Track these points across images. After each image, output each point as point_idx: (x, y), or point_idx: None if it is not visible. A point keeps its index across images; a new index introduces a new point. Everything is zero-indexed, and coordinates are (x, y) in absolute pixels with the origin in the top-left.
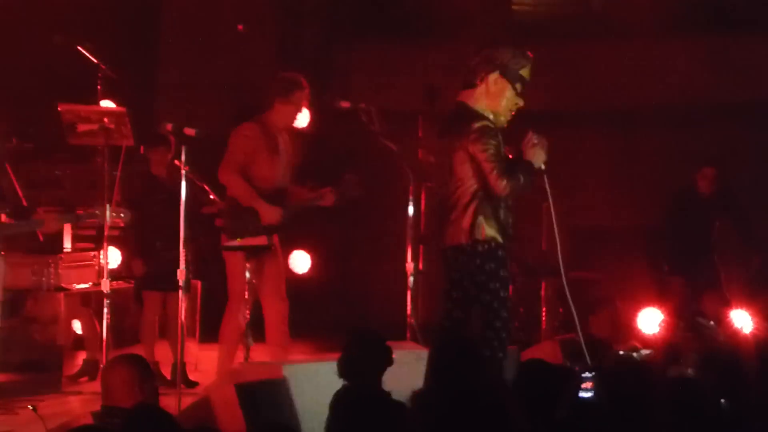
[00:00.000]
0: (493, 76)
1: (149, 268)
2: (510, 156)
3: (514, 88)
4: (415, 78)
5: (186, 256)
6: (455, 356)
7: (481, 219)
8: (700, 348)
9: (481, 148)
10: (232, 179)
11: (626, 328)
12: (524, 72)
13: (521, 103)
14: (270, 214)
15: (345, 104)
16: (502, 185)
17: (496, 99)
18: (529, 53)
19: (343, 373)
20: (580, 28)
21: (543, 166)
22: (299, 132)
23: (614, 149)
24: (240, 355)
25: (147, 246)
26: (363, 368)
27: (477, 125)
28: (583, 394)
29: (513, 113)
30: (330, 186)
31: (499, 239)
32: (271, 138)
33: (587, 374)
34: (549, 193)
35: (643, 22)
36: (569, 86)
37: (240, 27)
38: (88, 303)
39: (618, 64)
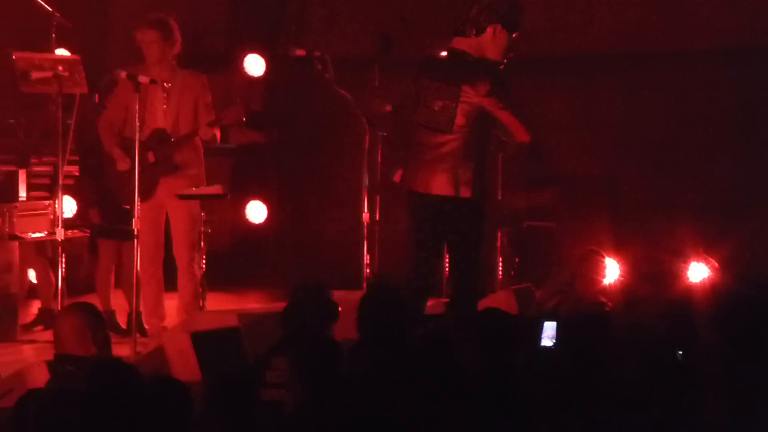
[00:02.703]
0: (495, 27)
1: (104, 217)
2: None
3: (512, 39)
4: (370, 25)
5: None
6: (380, 305)
7: (478, 174)
8: (657, 298)
9: (501, 102)
10: (99, 130)
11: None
12: (520, 22)
13: (513, 53)
14: (119, 163)
15: (300, 52)
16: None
17: (497, 50)
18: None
19: (285, 325)
20: None
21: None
22: (252, 79)
23: (569, 96)
24: None
25: (101, 195)
26: (305, 321)
27: (493, 78)
28: (544, 343)
29: (506, 62)
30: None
31: (484, 194)
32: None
33: (549, 323)
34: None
35: None
36: (523, 33)
37: None
38: (43, 252)
39: (572, 9)
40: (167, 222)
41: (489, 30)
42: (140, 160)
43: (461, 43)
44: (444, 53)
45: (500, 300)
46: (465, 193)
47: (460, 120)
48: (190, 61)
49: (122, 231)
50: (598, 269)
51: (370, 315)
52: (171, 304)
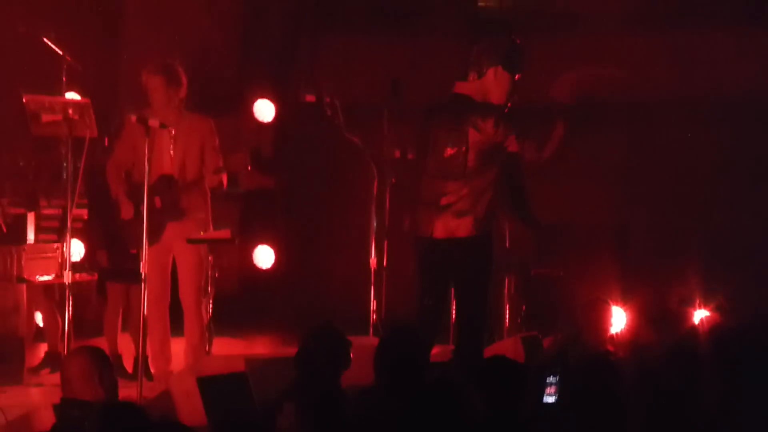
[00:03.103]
0: (496, 69)
1: (112, 261)
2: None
3: (514, 81)
4: (380, 72)
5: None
6: (400, 350)
7: (487, 215)
8: (663, 344)
9: (511, 130)
10: (107, 171)
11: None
12: (521, 64)
13: (516, 96)
14: (123, 209)
15: (310, 98)
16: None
17: (500, 92)
18: (518, 41)
19: (298, 369)
20: (544, 24)
21: None
22: (262, 125)
23: (577, 144)
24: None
25: (110, 238)
26: (319, 365)
27: (498, 117)
28: (547, 399)
29: (510, 105)
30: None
31: (491, 237)
32: (150, 129)
33: (552, 379)
34: None
35: (606, 19)
36: (533, 81)
37: (205, 20)
38: (51, 295)
39: (582, 60)
40: (174, 266)
41: (490, 72)
42: (147, 205)
43: (464, 88)
44: (448, 99)
45: (507, 348)
46: (472, 232)
47: (470, 164)
48: (200, 105)
49: (130, 274)
50: (604, 318)
51: (388, 361)
52: (177, 348)
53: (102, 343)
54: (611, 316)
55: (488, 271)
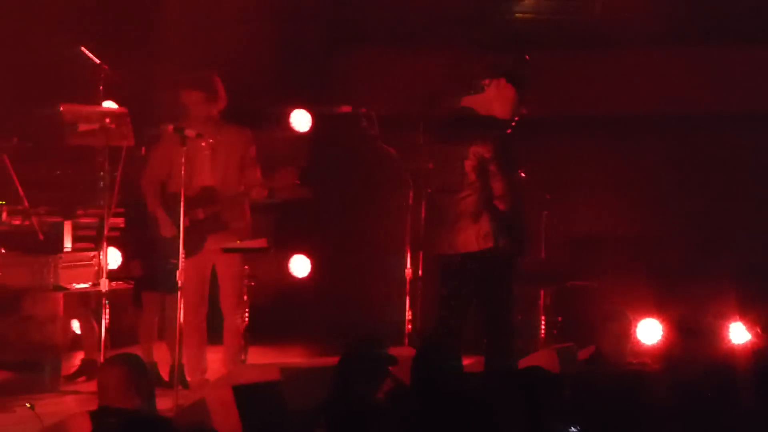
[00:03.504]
0: (500, 82)
1: (149, 270)
2: None
3: (519, 94)
4: (416, 83)
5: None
6: (437, 362)
7: (494, 227)
8: (698, 359)
9: (495, 158)
10: (144, 188)
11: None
12: (526, 77)
13: (524, 109)
14: (164, 228)
15: (345, 109)
16: (503, 204)
17: (503, 105)
18: (527, 57)
19: (336, 381)
20: (580, 36)
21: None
22: (298, 135)
23: (613, 157)
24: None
25: (147, 247)
26: (354, 380)
27: (494, 133)
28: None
29: (517, 119)
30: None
31: (509, 250)
32: (188, 141)
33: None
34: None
35: (642, 32)
36: (571, 93)
37: (242, 31)
38: (87, 303)
39: (618, 72)
40: (212, 275)
41: (493, 85)
42: (189, 216)
43: (468, 101)
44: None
45: (542, 359)
46: (487, 244)
47: (470, 176)
48: (237, 117)
49: (166, 283)
50: (622, 330)
51: (426, 372)
52: (213, 356)
53: (138, 351)
54: (630, 328)
55: (506, 281)
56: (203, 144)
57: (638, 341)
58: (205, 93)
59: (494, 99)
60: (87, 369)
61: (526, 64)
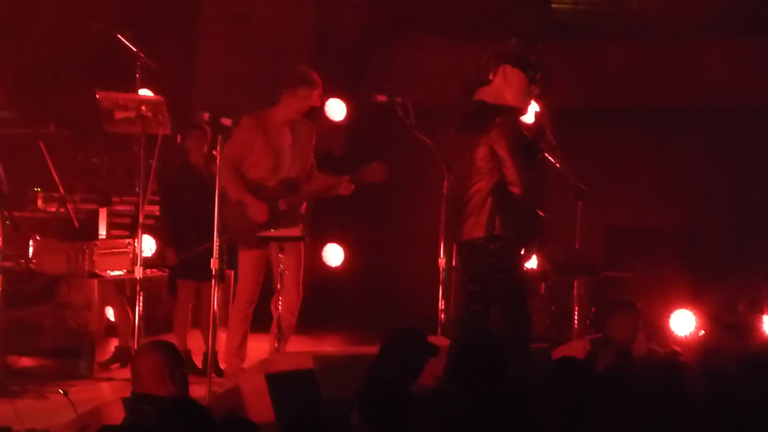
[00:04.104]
0: (505, 69)
1: (184, 258)
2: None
3: (527, 75)
4: (451, 73)
5: (220, 245)
6: (477, 351)
7: (497, 215)
8: (736, 350)
9: (503, 144)
10: (224, 177)
11: (658, 330)
12: (534, 57)
13: (537, 90)
14: (256, 210)
15: (381, 98)
16: (516, 189)
17: (512, 90)
18: (534, 37)
19: (374, 368)
20: (618, 27)
21: None
22: (333, 124)
23: (650, 148)
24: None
25: (181, 235)
26: (391, 369)
27: (499, 120)
28: None
29: (531, 100)
30: (348, 174)
31: (514, 237)
32: (271, 130)
33: None
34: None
35: (680, 23)
36: (607, 84)
37: (278, 19)
38: (122, 290)
39: (656, 63)
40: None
41: (499, 72)
42: (270, 206)
43: (481, 94)
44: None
45: (575, 349)
46: (479, 233)
47: (478, 164)
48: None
49: (201, 271)
50: (630, 321)
51: (464, 362)
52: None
53: (172, 339)
54: (638, 318)
55: (510, 270)
56: (287, 135)
57: (672, 332)
58: (300, 103)
59: (504, 86)
60: (121, 356)
61: (531, 43)
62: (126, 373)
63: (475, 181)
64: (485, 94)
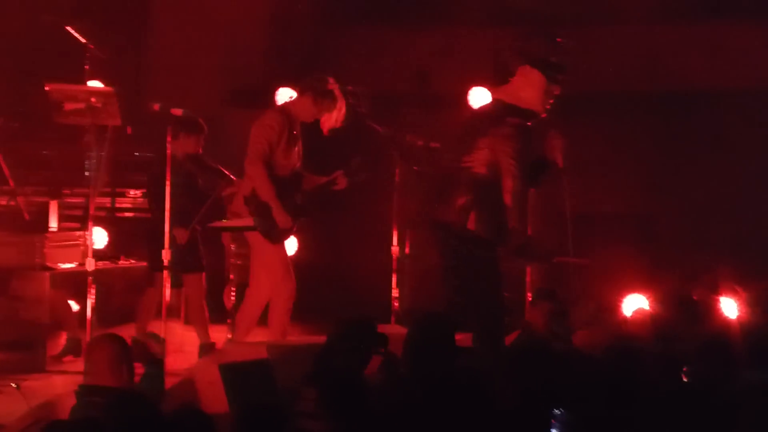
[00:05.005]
0: (525, 69)
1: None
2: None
3: (548, 77)
4: (404, 61)
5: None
6: (432, 338)
7: (478, 209)
8: (692, 333)
9: (509, 149)
10: (258, 171)
11: (613, 315)
12: (556, 59)
13: (557, 91)
14: (283, 219)
15: (333, 86)
16: (509, 198)
17: (530, 91)
18: (558, 39)
19: (323, 355)
20: (575, 13)
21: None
22: None
23: (604, 134)
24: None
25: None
26: (344, 355)
27: (511, 122)
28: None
29: (551, 102)
30: (341, 170)
31: (491, 235)
32: (291, 128)
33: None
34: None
35: (639, 9)
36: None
37: (230, 9)
38: (63, 285)
39: (613, 49)
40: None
41: (518, 72)
42: (287, 201)
43: (498, 92)
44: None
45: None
46: (460, 218)
47: (478, 155)
48: (230, 97)
49: (182, 263)
50: (547, 310)
51: (418, 349)
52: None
53: (127, 330)
54: (560, 307)
55: (479, 257)
56: (294, 131)
57: (626, 316)
58: (320, 111)
59: (523, 86)
60: (72, 348)
61: (555, 44)
62: (79, 365)
63: (469, 168)
64: (502, 94)
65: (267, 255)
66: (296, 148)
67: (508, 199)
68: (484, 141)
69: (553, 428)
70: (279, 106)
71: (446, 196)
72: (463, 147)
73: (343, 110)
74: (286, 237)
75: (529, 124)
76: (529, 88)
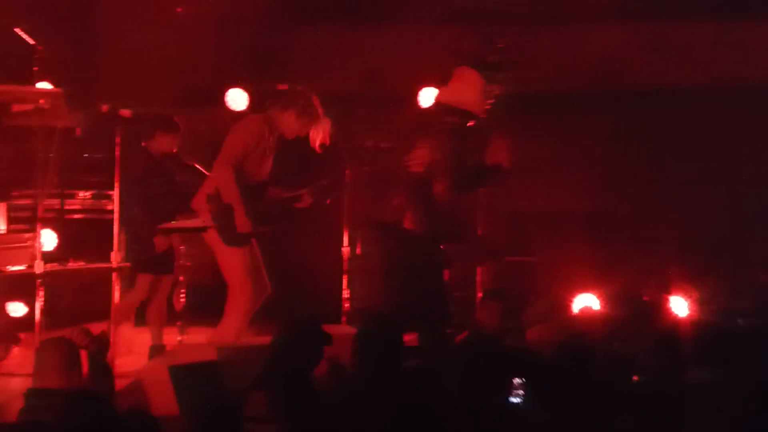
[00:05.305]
0: (462, 69)
1: (145, 251)
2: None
3: (485, 77)
4: (354, 60)
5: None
6: (379, 338)
7: (414, 208)
8: (642, 331)
9: (445, 148)
10: (226, 174)
11: (563, 314)
12: (493, 59)
13: (497, 91)
14: (243, 223)
15: (282, 87)
16: (441, 193)
17: (468, 91)
18: (495, 39)
19: (270, 357)
20: (524, 13)
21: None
22: (235, 114)
23: (552, 133)
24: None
25: (144, 228)
26: (292, 356)
27: (447, 121)
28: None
29: (491, 102)
30: (306, 189)
31: (427, 234)
32: (270, 138)
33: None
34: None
35: (588, 8)
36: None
37: (179, 9)
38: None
39: (560, 49)
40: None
41: (455, 73)
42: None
43: (439, 95)
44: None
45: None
46: (399, 216)
47: (418, 155)
48: (178, 97)
49: (160, 264)
50: (494, 310)
51: (367, 349)
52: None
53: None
54: (506, 306)
55: (425, 257)
56: (272, 142)
57: (576, 315)
58: (300, 129)
59: (461, 87)
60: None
61: (491, 45)
62: (28, 368)
63: (413, 170)
64: (442, 96)
65: (224, 255)
66: (269, 160)
67: (442, 197)
68: (423, 141)
69: (504, 424)
70: (263, 115)
71: (388, 196)
72: (406, 147)
73: (329, 127)
74: (244, 242)
75: (470, 124)
76: (467, 88)
